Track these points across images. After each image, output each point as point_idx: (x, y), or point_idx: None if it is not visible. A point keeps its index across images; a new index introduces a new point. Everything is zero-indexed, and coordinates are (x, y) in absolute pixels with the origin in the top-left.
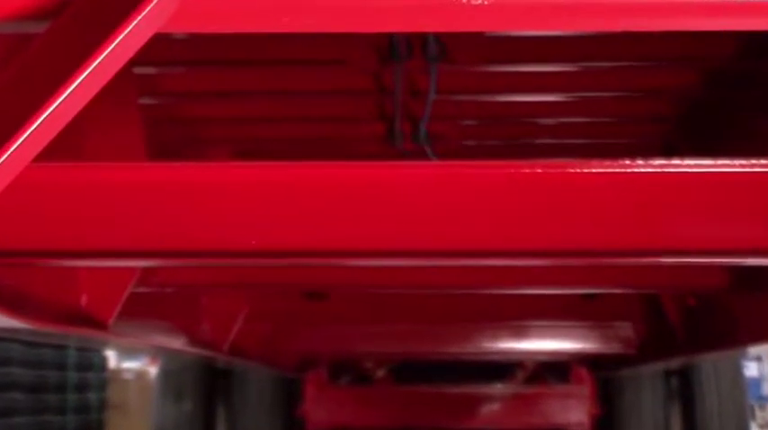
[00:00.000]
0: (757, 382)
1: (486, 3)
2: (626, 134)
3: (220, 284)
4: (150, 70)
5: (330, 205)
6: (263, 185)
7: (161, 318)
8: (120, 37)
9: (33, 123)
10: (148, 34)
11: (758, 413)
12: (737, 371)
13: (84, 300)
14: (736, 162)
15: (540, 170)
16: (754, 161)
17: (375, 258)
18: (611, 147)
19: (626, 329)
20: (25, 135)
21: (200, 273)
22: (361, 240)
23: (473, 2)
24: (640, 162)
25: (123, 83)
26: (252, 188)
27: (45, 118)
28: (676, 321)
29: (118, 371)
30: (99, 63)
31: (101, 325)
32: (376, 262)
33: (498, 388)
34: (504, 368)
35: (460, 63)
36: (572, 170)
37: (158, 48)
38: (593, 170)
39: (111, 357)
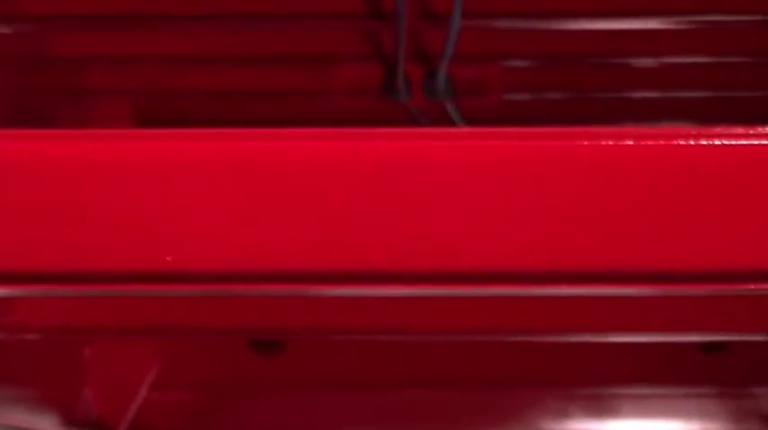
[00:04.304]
0: None
1: None
2: None
3: (115, 328)
4: None
5: (292, 200)
6: (183, 166)
7: (15, 384)
8: None
9: None
10: None
11: None
12: None
13: None
14: None
15: (630, 142)
16: None
17: (361, 284)
18: (748, 105)
19: None
20: None
21: (82, 310)
22: (340, 256)
23: None
24: None
25: None
26: (166, 171)
27: None
28: None
29: None
30: None
31: None
32: (363, 291)
33: None
34: None
35: None
36: (683, 142)
37: None
38: (718, 142)
39: None
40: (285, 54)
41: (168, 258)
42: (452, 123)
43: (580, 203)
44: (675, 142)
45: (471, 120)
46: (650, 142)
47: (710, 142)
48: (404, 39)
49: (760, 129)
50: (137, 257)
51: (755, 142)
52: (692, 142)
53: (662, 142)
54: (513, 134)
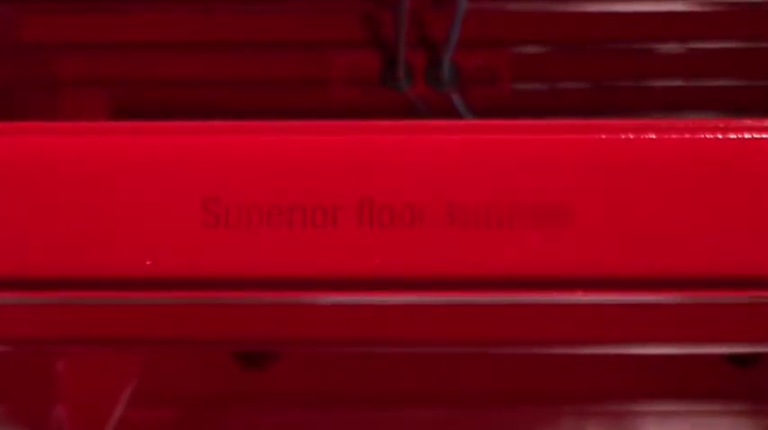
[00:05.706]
0: None
1: None
2: None
3: (89, 339)
4: None
5: (283, 198)
6: (163, 161)
7: None
8: None
9: None
10: None
11: None
12: None
13: None
14: None
15: (653, 135)
16: None
17: (359, 291)
18: None
19: None
20: None
21: (53, 320)
22: (338, 260)
23: None
24: None
25: None
26: (144, 167)
27: None
28: None
29: None
30: None
31: None
32: (361, 298)
33: None
34: None
35: None
36: (711, 136)
37: None
38: (749, 135)
39: None
40: (276, 40)
41: (148, 262)
42: (458, 115)
43: (597, 203)
44: (703, 135)
45: (478, 112)
46: (675, 136)
47: (741, 136)
48: (405, 23)
49: None
50: (113, 261)
51: None
52: (720, 136)
53: (688, 135)
54: (524, 127)
